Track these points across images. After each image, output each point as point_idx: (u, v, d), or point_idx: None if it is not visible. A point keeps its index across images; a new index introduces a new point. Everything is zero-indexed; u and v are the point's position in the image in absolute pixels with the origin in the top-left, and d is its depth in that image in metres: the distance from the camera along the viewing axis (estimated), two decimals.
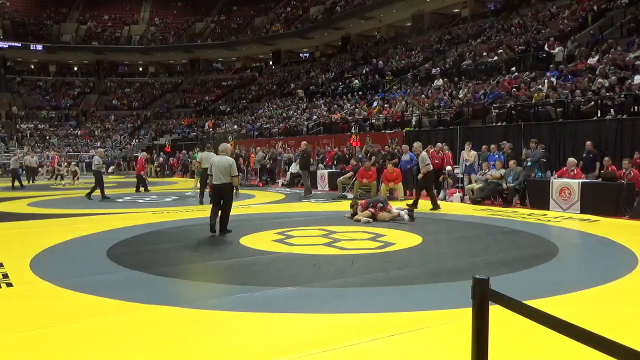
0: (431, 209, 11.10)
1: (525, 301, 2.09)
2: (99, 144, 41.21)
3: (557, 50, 18.88)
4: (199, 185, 16.19)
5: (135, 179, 18.04)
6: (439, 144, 14.59)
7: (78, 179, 21.93)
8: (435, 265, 6.01)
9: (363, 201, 10.20)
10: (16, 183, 20.09)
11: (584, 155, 11.85)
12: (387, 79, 28.58)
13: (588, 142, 12.02)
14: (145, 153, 21.64)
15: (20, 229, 9.33)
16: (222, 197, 8.40)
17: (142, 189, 17.35)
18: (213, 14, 52.87)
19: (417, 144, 12.28)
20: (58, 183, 22.00)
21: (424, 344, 3.63)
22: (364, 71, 31.92)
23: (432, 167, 11.67)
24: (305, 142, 16.84)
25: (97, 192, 14.69)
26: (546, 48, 19.43)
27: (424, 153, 11.81)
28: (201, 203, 13.07)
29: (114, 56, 50.33)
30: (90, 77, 51.17)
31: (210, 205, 8.67)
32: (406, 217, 9.41)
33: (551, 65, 18.18)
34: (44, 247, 7.26)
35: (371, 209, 9.71)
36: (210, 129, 36.44)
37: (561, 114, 14.21)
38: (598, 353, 1.69)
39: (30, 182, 23.72)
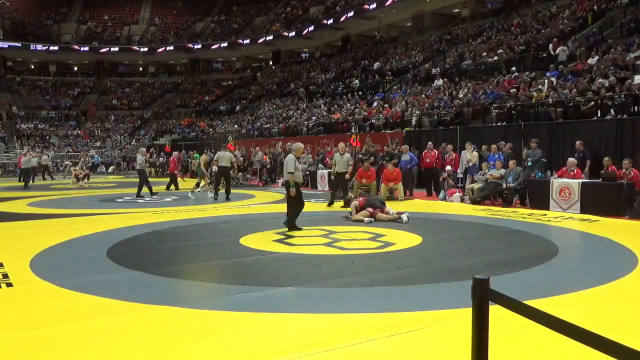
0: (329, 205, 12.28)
1: (525, 301, 2.10)
2: (98, 144, 41.21)
3: (558, 50, 18.83)
4: (202, 183, 16.38)
5: (137, 180, 18.14)
6: (430, 143, 14.85)
7: (79, 179, 21.87)
8: (435, 265, 6.01)
9: (362, 199, 10.22)
10: (30, 182, 20.44)
11: (575, 155, 11.87)
12: (387, 79, 28.58)
13: (578, 142, 12.10)
14: (177, 152, 22.02)
15: (20, 229, 9.33)
16: (285, 193, 8.71)
17: (172, 187, 17.81)
18: (213, 14, 52.85)
19: (341, 144, 12.81)
20: (85, 182, 22.26)
21: (424, 344, 3.63)
22: (360, 70, 31.94)
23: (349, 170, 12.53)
24: (286, 142, 17.11)
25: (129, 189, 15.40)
26: (550, 48, 19.32)
27: (347, 154, 12.57)
28: (215, 199, 13.92)
29: (114, 56, 50.30)
30: (90, 77, 51.13)
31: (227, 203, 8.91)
32: (405, 218, 9.46)
33: (551, 65, 18.19)
34: (44, 247, 7.26)
35: (369, 209, 9.73)
36: (210, 130, 36.41)
37: (561, 114, 14.20)
38: (598, 353, 1.69)
39: (31, 181, 23.77)
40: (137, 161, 15.89)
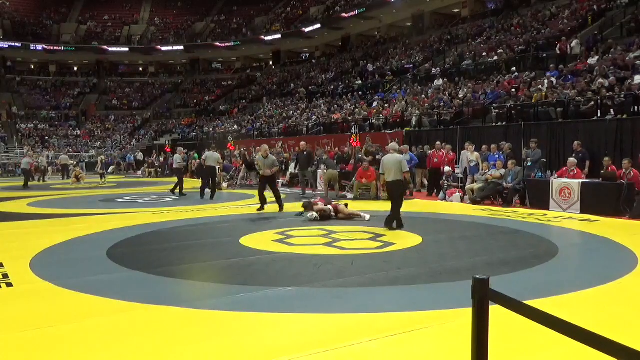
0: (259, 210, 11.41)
1: (525, 301, 2.10)
2: (98, 143, 41.21)
3: (574, 43, 18.72)
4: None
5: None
6: (438, 143, 14.69)
7: (79, 180, 21.88)
8: (435, 265, 6.01)
9: (320, 199, 10.32)
10: (30, 182, 20.66)
11: (573, 156, 11.86)
12: (387, 79, 28.59)
13: (575, 143, 12.09)
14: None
15: (20, 229, 9.34)
16: (392, 193, 8.62)
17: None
18: (213, 14, 52.82)
19: (264, 146, 11.99)
20: (103, 182, 22.49)
21: (424, 344, 3.63)
22: (360, 71, 31.97)
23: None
24: (304, 142, 16.96)
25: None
26: (558, 47, 19.19)
27: (272, 157, 11.80)
28: (202, 197, 14.18)
29: (114, 56, 50.29)
30: (90, 77, 51.12)
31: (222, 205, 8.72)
32: (367, 217, 9.68)
33: (551, 65, 18.18)
34: (44, 247, 7.26)
35: (331, 206, 9.93)
36: (210, 130, 36.36)
37: (561, 114, 14.21)
38: (598, 353, 1.69)
39: (41, 181, 24.16)
40: (175, 160, 16.56)
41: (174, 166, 16.60)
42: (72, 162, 28.59)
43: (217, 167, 14.59)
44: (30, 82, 49.03)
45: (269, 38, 44.21)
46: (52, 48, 46.79)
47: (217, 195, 14.53)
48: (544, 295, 4.58)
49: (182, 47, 48.32)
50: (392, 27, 38.44)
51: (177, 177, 15.93)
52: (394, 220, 8.52)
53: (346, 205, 10.39)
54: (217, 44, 47.21)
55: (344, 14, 37.20)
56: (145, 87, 51.42)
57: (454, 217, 10.27)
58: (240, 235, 8.11)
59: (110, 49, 48.34)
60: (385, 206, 12.05)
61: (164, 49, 48.50)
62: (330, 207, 9.94)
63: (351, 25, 39.10)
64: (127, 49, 48.70)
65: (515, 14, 27.21)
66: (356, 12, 35.81)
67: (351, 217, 9.82)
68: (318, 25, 38.92)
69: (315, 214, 9.67)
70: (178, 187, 15.62)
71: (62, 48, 47.06)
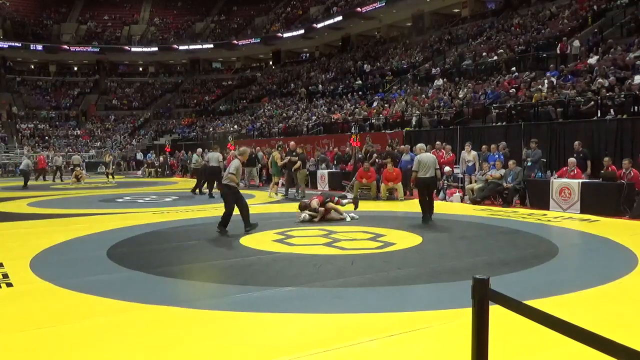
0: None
1: (525, 301, 2.10)
2: (98, 143, 41.19)
3: (576, 42, 18.70)
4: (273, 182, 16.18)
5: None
6: (438, 143, 14.64)
7: (79, 180, 21.87)
8: (435, 265, 6.01)
9: (319, 197, 10.17)
10: (31, 181, 20.81)
11: (574, 155, 11.85)
12: (387, 79, 28.60)
13: (576, 143, 12.08)
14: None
15: (20, 229, 9.33)
16: (428, 188, 9.37)
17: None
18: (213, 14, 52.85)
19: (245, 149, 11.05)
20: (109, 181, 22.72)
21: (424, 344, 3.64)
22: (358, 71, 32.02)
23: None
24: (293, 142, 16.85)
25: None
26: (559, 47, 19.19)
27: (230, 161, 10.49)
28: (212, 197, 14.30)
29: (115, 56, 50.29)
30: (90, 77, 51.10)
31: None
32: (348, 218, 9.75)
33: (551, 65, 18.19)
34: (44, 247, 7.26)
35: (321, 208, 9.72)
36: (210, 129, 36.34)
37: (561, 114, 14.21)
38: (598, 353, 1.69)
39: (59, 180, 24.50)
40: (192, 159, 16.86)
41: (192, 166, 17.09)
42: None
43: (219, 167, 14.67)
44: (30, 82, 49.01)
45: (288, 35, 44.20)
46: (84, 49, 47.97)
47: (218, 195, 14.50)
48: (544, 295, 4.58)
49: (211, 45, 48.48)
50: (392, 27, 38.44)
51: (196, 176, 16.34)
52: (431, 214, 9.24)
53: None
54: (251, 40, 46.96)
55: (358, 8, 36.99)
56: (145, 87, 51.40)
57: (454, 217, 10.27)
58: (240, 235, 8.11)
59: (133, 49, 48.98)
60: (385, 207, 12.09)
61: (191, 47, 48.77)
62: (321, 208, 9.72)
63: (351, 25, 39.10)
64: (156, 49, 49.11)
65: (515, 14, 27.22)
66: (377, 5, 35.24)
67: (329, 216, 9.71)
68: (339, 18, 38.83)
69: (306, 215, 9.65)
70: (201, 186, 15.88)
71: (96, 49, 48.28)
